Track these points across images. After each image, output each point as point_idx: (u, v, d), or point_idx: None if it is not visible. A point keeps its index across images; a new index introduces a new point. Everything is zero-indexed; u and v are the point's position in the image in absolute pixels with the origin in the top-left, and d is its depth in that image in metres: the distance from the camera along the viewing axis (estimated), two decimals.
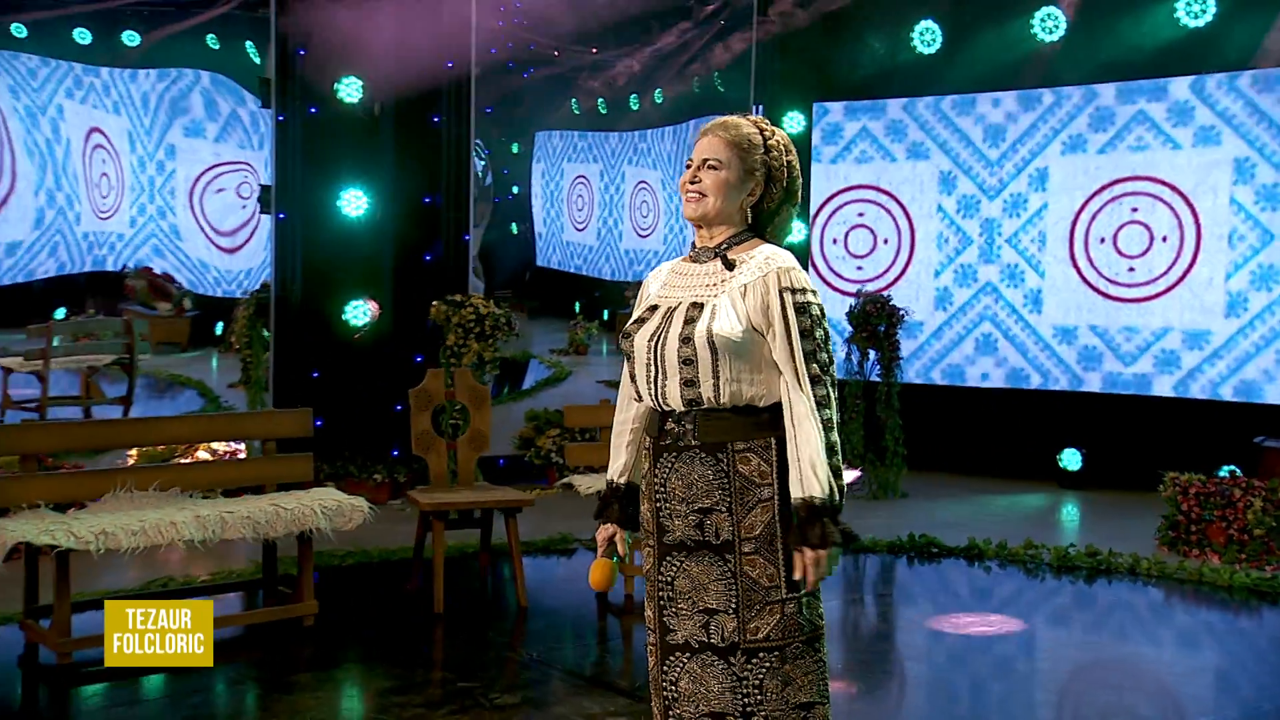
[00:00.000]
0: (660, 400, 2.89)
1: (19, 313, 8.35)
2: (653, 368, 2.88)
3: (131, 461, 7.40)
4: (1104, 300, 9.79)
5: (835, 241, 10.78)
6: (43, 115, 8.20)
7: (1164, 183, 9.53)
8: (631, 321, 2.98)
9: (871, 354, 9.22)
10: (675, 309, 2.88)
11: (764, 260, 2.86)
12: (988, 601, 6.66)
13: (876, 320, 9.14)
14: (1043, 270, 10.04)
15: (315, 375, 9.05)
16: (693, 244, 3.01)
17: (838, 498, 2.74)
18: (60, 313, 9.10)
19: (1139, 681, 5.31)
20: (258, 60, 8.65)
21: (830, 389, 2.80)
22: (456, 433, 6.90)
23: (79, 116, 8.33)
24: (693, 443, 2.85)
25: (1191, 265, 9.43)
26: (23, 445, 5.58)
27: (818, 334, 2.80)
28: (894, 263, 10.57)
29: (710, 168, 2.89)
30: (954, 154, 10.36)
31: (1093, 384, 9.83)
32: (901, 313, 9.28)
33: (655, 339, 2.88)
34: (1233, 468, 8.37)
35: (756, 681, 2.80)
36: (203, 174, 8.89)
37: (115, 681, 4.97)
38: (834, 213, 10.73)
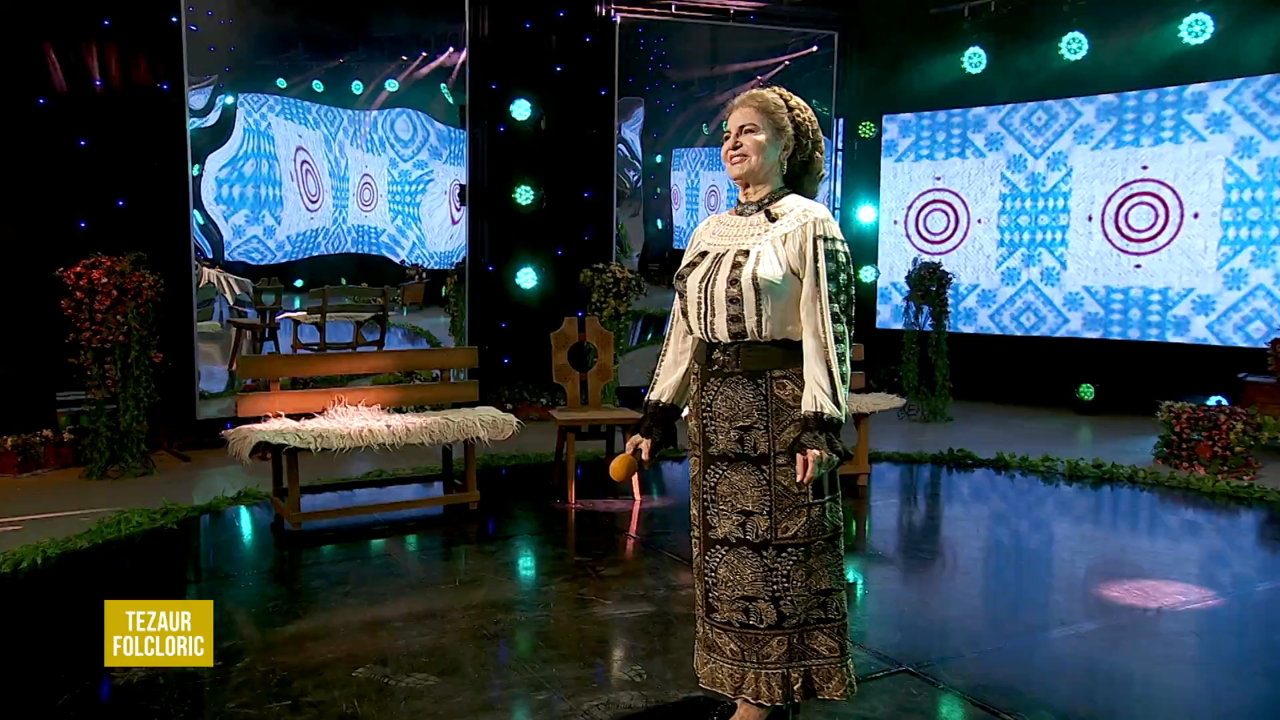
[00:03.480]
0: (709, 333, 2.52)
1: (317, 278, 8.48)
2: (703, 305, 2.51)
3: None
4: (1117, 264, 8.88)
5: (915, 221, 10.01)
6: (333, 153, 8.32)
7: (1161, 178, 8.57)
8: (684, 265, 2.60)
9: (925, 309, 8.52)
10: (723, 255, 2.51)
11: (802, 212, 2.47)
12: (1012, 503, 6.00)
13: (929, 282, 8.43)
14: (1069, 241, 9.15)
15: (504, 325, 8.89)
16: (737, 200, 2.61)
17: (842, 418, 2.36)
18: (342, 280, 9.18)
19: (1130, 568, 4.63)
20: (467, 98, 8.51)
21: (846, 326, 2.39)
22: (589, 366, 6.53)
23: (356, 162, 8.42)
24: (736, 370, 2.48)
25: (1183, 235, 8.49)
26: (267, 372, 5.48)
27: (841, 278, 2.42)
28: (962, 239, 9.74)
29: (747, 132, 2.51)
30: (997, 152, 9.52)
31: (1106, 331, 8.94)
32: (949, 276, 8.55)
33: (706, 280, 2.51)
34: (1220, 398, 7.47)
35: (785, 572, 2.47)
36: (428, 179, 8.88)
37: (331, 545, 4.84)
38: (913, 200, 9.95)
